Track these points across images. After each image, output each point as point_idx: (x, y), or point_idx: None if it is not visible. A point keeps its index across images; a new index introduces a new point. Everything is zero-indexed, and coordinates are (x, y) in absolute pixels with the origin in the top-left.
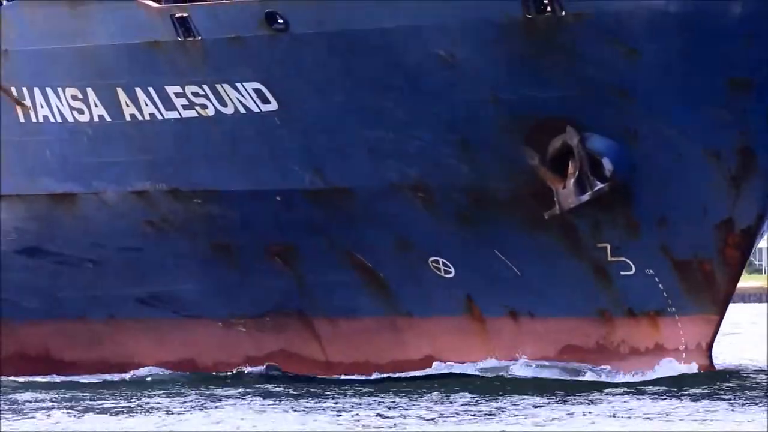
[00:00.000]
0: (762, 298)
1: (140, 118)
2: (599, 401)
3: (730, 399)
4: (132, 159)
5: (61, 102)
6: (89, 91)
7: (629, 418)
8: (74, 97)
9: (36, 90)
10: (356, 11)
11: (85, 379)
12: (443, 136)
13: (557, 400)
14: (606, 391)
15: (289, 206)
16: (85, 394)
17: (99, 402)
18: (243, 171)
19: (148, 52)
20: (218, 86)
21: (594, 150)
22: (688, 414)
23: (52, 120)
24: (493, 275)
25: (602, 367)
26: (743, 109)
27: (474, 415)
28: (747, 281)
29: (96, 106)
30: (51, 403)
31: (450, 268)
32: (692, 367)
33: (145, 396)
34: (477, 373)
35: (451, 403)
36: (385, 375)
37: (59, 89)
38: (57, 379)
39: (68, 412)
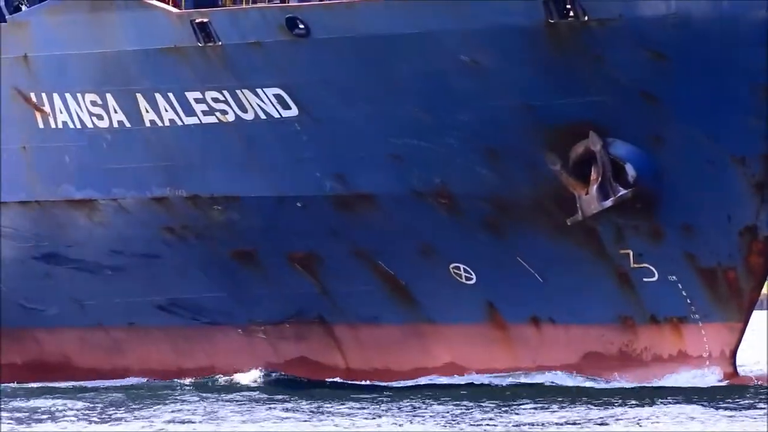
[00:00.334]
0: (763, 305)
1: (160, 123)
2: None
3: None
4: (151, 165)
5: (80, 108)
6: (109, 96)
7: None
8: (94, 103)
9: (55, 95)
10: (379, 17)
11: (104, 384)
12: (468, 143)
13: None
14: (630, 397)
15: (310, 213)
16: (103, 399)
17: (117, 408)
18: (263, 177)
19: (169, 58)
20: (238, 92)
21: (617, 156)
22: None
23: (71, 126)
24: (515, 282)
25: (624, 374)
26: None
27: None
28: None
29: (115, 111)
30: (69, 411)
31: (471, 274)
32: (716, 375)
33: (162, 403)
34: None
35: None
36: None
37: (79, 95)
38: (76, 384)
39: (87, 419)
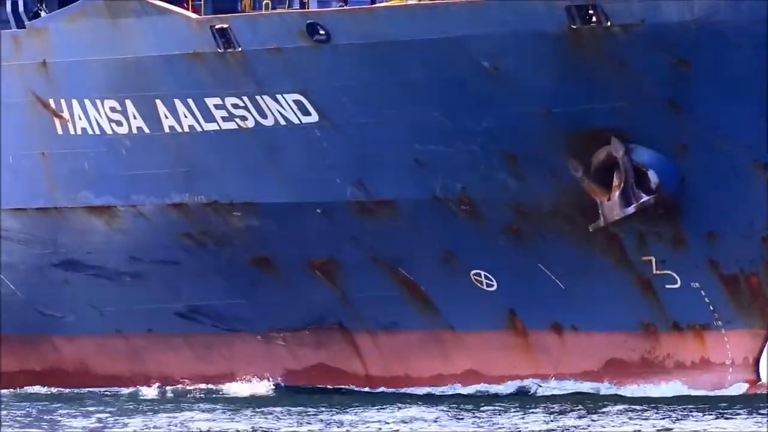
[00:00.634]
0: None
1: (179, 129)
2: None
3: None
4: (170, 171)
5: (99, 114)
6: (128, 102)
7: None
8: (113, 109)
9: (74, 102)
10: (400, 23)
11: (124, 390)
12: (490, 149)
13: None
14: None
15: (330, 219)
16: (121, 406)
17: (136, 416)
18: (283, 183)
19: (188, 64)
20: (258, 98)
21: (640, 162)
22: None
23: (90, 132)
24: (537, 289)
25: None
26: None
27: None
28: None
29: (135, 117)
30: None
31: (492, 281)
32: (739, 382)
33: (180, 410)
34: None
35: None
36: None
37: (98, 101)
38: (95, 391)
39: (106, 426)
